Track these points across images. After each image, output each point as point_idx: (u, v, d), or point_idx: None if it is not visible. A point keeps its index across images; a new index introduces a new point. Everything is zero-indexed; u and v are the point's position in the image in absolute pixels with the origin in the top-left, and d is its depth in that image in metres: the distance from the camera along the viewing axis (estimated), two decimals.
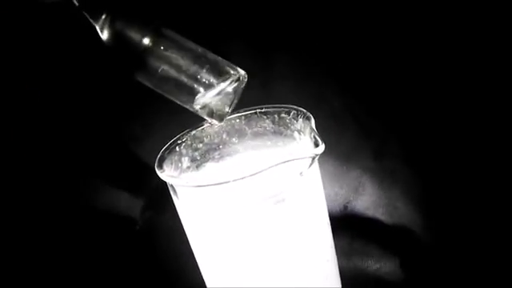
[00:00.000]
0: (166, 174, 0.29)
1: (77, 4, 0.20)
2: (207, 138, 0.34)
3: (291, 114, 0.32)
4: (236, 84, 0.24)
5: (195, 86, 0.23)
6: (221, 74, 0.23)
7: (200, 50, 0.23)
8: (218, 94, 0.23)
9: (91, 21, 0.21)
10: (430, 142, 0.44)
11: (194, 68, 0.23)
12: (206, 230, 0.29)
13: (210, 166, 0.34)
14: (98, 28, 0.21)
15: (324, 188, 0.44)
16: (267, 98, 0.41)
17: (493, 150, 0.42)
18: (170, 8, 0.37)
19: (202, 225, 0.29)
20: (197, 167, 0.33)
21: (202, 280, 0.33)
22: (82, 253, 0.43)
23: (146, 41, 0.22)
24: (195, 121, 0.33)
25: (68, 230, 0.43)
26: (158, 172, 0.29)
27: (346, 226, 0.43)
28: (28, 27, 0.37)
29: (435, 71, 0.43)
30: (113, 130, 0.43)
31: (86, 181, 0.43)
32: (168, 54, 0.22)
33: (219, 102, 0.24)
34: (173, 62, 0.22)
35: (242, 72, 0.24)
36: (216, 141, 0.34)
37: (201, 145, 0.34)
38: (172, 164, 0.31)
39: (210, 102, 0.24)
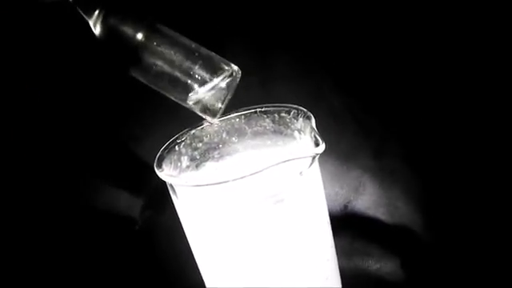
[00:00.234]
0: (166, 173, 0.29)
1: (71, 0, 0.20)
2: (207, 137, 0.34)
3: (291, 113, 0.32)
4: (229, 79, 0.24)
5: (188, 81, 0.23)
6: (214, 70, 0.23)
7: (193, 45, 0.23)
8: (212, 89, 0.23)
9: (85, 16, 0.20)
10: (430, 141, 0.44)
11: (187, 63, 0.23)
12: (205, 229, 0.29)
13: (209, 166, 0.34)
14: (91, 24, 0.20)
15: (324, 188, 0.44)
16: (266, 98, 0.41)
17: (493, 149, 0.42)
18: (169, 8, 0.37)
19: (201, 224, 0.29)
20: (196, 166, 0.33)
21: (202, 280, 0.33)
22: (82, 252, 0.42)
23: (139, 36, 0.22)
24: (194, 120, 0.33)
25: (67, 229, 0.43)
26: (157, 171, 0.28)
27: (347, 225, 0.43)
28: (27, 27, 0.37)
29: (434, 71, 0.43)
30: (112, 129, 0.43)
31: (86, 180, 0.43)
32: (161, 49, 0.22)
33: (212, 98, 0.24)
34: (166, 58, 0.22)
35: (236, 67, 0.24)
36: (216, 140, 0.34)
37: (200, 144, 0.33)
38: (171, 163, 0.31)
39: (203, 98, 0.23)
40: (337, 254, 0.34)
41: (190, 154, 0.33)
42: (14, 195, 0.41)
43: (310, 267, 0.29)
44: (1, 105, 0.39)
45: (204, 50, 0.23)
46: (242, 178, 0.25)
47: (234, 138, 0.34)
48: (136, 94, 0.41)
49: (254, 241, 0.27)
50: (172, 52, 0.22)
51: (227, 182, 0.25)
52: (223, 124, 0.33)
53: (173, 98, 0.24)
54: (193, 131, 0.33)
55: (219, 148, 0.34)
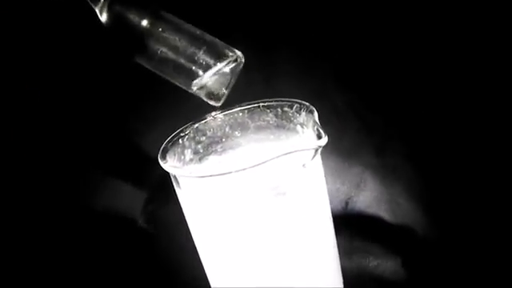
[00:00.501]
0: (169, 164, 0.29)
1: None
2: (210, 131, 0.34)
3: (294, 107, 0.32)
4: (233, 65, 0.24)
5: (193, 67, 0.23)
6: (218, 55, 0.24)
7: (198, 31, 0.23)
8: (216, 74, 0.23)
9: (91, 4, 0.21)
10: (431, 139, 0.44)
11: (191, 49, 0.23)
12: (207, 220, 0.29)
13: (212, 159, 0.34)
14: (97, 11, 0.21)
15: (326, 184, 0.44)
16: (270, 94, 0.41)
17: (494, 147, 0.42)
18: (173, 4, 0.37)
19: (203, 215, 0.29)
20: (199, 160, 0.34)
21: (204, 274, 0.33)
22: (84, 247, 0.43)
23: (144, 23, 0.22)
24: (198, 114, 0.34)
25: (69, 224, 0.43)
26: (161, 163, 0.29)
27: (348, 221, 0.43)
28: (28, 25, 0.37)
29: (437, 69, 0.43)
30: (115, 123, 0.43)
31: (88, 175, 0.44)
32: (166, 35, 0.23)
33: (216, 83, 0.24)
34: (171, 44, 0.23)
35: (239, 53, 0.24)
36: (219, 134, 0.34)
37: (204, 138, 0.34)
38: (175, 156, 0.32)
39: (208, 83, 0.24)
40: (338, 250, 0.34)
41: (193, 147, 0.33)
42: (16, 191, 0.42)
43: (311, 258, 0.29)
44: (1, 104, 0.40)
45: (208, 36, 0.24)
46: (244, 169, 0.25)
47: (236, 132, 0.35)
48: (139, 88, 0.42)
49: (256, 232, 0.28)
50: (176, 38, 0.23)
51: (230, 173, 0.25)
52: (226, 118, 0.34)
53: (178, 84, 0.24)
54: (196, 125, 0.33)
55: (222, 142, 0.35)
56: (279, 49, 0.44)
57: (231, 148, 0.35)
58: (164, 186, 0.33)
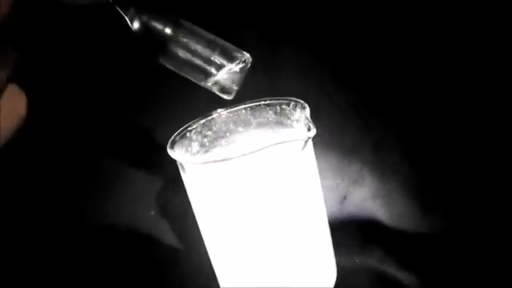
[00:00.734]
0: (177, 153, 0.33)
1: (111, 1, 0.25)
2: (215, 126, 0.37)
3: (291, 105, 0.35)
4: (242, 65, 0.28)
5: (208, 67, 0.27)
6: (230, 57, 0.28)
7: (212, 36, 0.28)
8: (227, 72, 0.28)
9: (123, 14, 0.25)
10: (427, 138, 0.46)
11: (207, 52, 0.27)
12: (211, 204, 0.32)
13: (217, 152, 0.37)
14: (128, 20, 0.25)
15: (326, 179, 0.47)
16: (274, 94, 0.44)
17: (488, 145, 0.44)
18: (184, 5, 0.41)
19: (208, 200, 0.32)
20: (205, 152, 0.37)
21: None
22: (96, 240, 0.46)
23: (168, 30, 0.26)
24: (205, 110, 0.37)
25: (83, 217, 0.46)
26: (170, 152, 0.32)
27: (346, 215, 0.46)
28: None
29: (433, 71, 0.46)
30: (130, 119, 0.47)
31: (102, 168, 0.47)
32: (186, 40, 0.27)
33: (228, 80, 0.28)
34: (190, 48, 0.27)
35: (247, 55, 0.28)
36: (223, 129, 0.38)
37: (209, 132, 0.37)
38: (183, 148, 0.35)
39: (221, 80, 0.28)
40: (334, 241, 0.37)
41: (200, 140, 0.37)
42: (31, 184, 0.45)
43: (306, 235, 0.32)
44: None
45: (220, 41, 0.28)
46: (243, 155, 0.28)
47: (240, 128, 0.38)
48: (154, 88, 0.46)
49: (256, 213, 0.31)
50: (195, 43, 0.27)
51: (231, 159, 0.29)
52: (230, 115, 0.37)
53: (194, 80, 0.28)
54: (203, 120, 0.37)
55: (227, 136, 0.38)
56: (283, 51, 0.47)
57: (234, 142, 0.38)
58: (175, 179, 0.36)
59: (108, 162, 0.47)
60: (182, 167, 0.33)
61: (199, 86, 0.29)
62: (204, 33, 0.28)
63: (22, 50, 0.21)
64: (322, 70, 0.47)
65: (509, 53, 0.44)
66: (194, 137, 0.36)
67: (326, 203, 0.36)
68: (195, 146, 0.36)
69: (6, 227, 0.44)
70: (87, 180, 0.47)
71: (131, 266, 0.45)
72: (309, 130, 0.30)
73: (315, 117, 0.32)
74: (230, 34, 0.29)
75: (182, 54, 0.27)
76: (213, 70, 0.28)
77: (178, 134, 0.35)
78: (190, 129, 0.36)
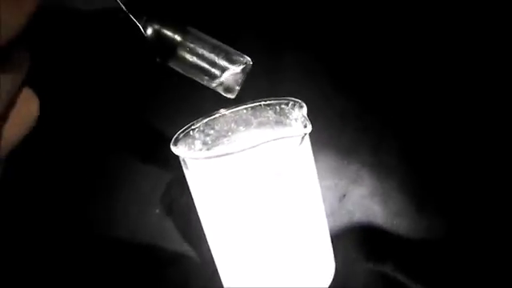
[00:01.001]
0: (180, 150, 0.34)
1: (125, 10, 0.28)
2: (218, 125, 0.39)
3: (289, 104, 0.37)
4: (243, 66, 0.31)
5: (213, 69, 0.30)
6: (232, 60, 0.30)
7: (216, 42, 0.31)
8: (230, 74, 0.30)
9: (136, 22, 0.28)
10: (424, 139, 0.47)
11: (212, 56, 0.30)
12: (214, 198, 0.34)
13: (219, 150, 0.39)
14: (141, 27, 0.28)
15: (325, 179, 0.48)
16: (274, 96, 0.46)
17: (484, 145, 0.46)
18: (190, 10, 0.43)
19: (210, 194, 0.34)
20: (207, 150, 0.39)
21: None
22: (103, 237, 0.47)
23: (178, 37, 0.29)
24: (211, 111, 0.39)
25: (91, 214, 0.48)
26: (173, 149, 0.34)
27: (344, 213, 0.47)
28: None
29: (430, 72, 0.47)
30: (135, 119, 0.48)
31: (110, 164, 0.48)
32: (193, 46, 0.30)
33: (231, 81, 0.31)
34: (198, 52, 0.30)
35: (248, 58, 0.31)
36: (225, 128, 0.39)
37: (212, 131, 0.39)
38: (186, 145, 0.37)
39: (224, 81, 0.30)
40: (332, 238, 0.38)
41: (202, 139, 0.38)
42: (39, 181, 0.47)
43: (305, 226, 0.34)
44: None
45: (224, 46, 0.31)
46: (242, 150, 0.30)
47: (241, 127, 0.40)
48: (161, 90, 0.48)
49: (257, 206, 0.32)
50: (201, 48, 0.30)
51: (231, 153, 0.30)
52: (232, 115, 0.39)
53: (201, 82, 0.31)
54: (205, 120, 0.38)
55: (228, 135, 0.39)
56: (283, 55, 0.49)
57: (236, 141, 0.39)
58: (181, 179, 0.37)
59: (115, 161, 0.48)
60: (185, 164, 0.34)
61: (205, 88, 0.31)
62: (209, 39, 0.31)
63: (35, 53, 0.22)
64: (321, 72, 0.49)
65: (504, 51, 0.45)
66: (197, 135, 0.38)
67: (325, 201, 0.37)
68: (198, 144, 0.38)
69: (14, 224, 0.46)
70: (94, 179, 0.48)
71: (136, 264, 0.46)
72: (305, 126, 0.31)
73: (314, 118, 0.34)
74: (232, 38, 0.32)
75: (189, 57, 0.30)
76: (217, 73, 0.31)
77: (181, 133, 0.36)
78: (193, 127, 0.38)
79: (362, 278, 0.43)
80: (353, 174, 0.49)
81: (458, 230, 0.44)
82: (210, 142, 0.39)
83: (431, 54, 0.47)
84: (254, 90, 0.40)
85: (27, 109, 0.21)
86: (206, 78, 0.31)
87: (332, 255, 0.38)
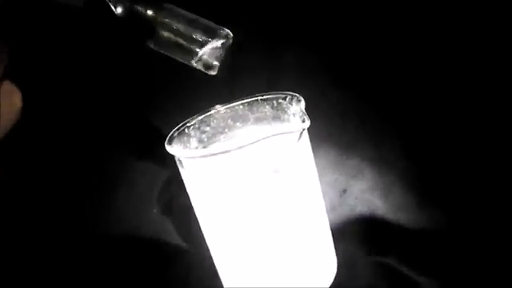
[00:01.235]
0: (175, 149, 0.33)
1: None
2: (214, 122, 0.38)
3: (287, 99, 0.36)
4: (223, 40, 0.29)
5: (191, 45, 0.28)
6: (211, 34, 0.29)
7: (193, 16, 0.29)
8: (210, 49, 0.29)
9: (107, 1, 0.26)
10: (424, 134, 0.47)
11: (189, 30, 0.28)
12: (210, 197, 0.33)
13: (215, 147, 0.38)
14: (112, 6, 0.26)
15: (325, 175, 0.47)
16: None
17: (484, 139, 0.45)
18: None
19: (207, 193, 0.33)
20: (204, 148, 0.38)
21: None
22: (101, 236, 0.47)
23: (150, 12, 0.27)
24: (203, 107, 0.38)
25: (89, 215, 0.47)
26: (168, 148, 0.33)
27: (344, 208, 0.46)
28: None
29: (429, 67, 0.46)
30: (135, 116, 0.47)
31: (108, 163, 0.47)
32: (168, 21, 0.28)
33: (210, 56, 0.29)
34: (172, 28, 0.28)
35: (228, 31, 0.29)
36: (222, 125, 0.38)
37: (208, 128, 0.38)
38: (181, 144, 0.36)
39: (203, 56, 0.29)
40: (333, 231, 0.38)
41: (198, 136, 0.37)
42: (36, 179, 0.46)
43: (305, 223, 0.33)
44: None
45: (202, 19, 0.29)
46: (239, 147, 0.29)
47: (238, 124, 0.38)
48: (159, 88, 0.47)
49: (255, 204, 0.31)
50: (177, 22, 0.28)
51: (227, 151, 0.29)
52: (228, 111, 0.38)
53: (179, 59, 0.29)
54: (201, 117, 0.37)
55: (225, 132, 0.38)
56: (283, 52, 0.48)
57: (233, 138, 0.38)
58: (179, 178, 0.36)
59: (113, 159, 0.47)
60: (181, 163, 0.33)
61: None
62: (186, 13, 0.29)
63: (14, 47, 0.22)
64: (320, 67, 0.48)
65: (503, 49, 0.44)
66: (193, 133, 0.37)
67: (325, 197, 0.36)
68: (193, 142, 0.37)
69: (12, 224, 0.45)
70: (93, 177, 0.48)
71: (135, 263, 0.45)
72: (303, 121, 0.30)
73: (313, 114, 0.33)
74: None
75: (164, 34, 0.28)
76: (196, 48, 0.29)
77: (176, 131, 0.35)
78: (188, 125, 0.36)
79: (364, 272, 0.42)
80: (353, 169, 0.48)
81: (459, 223, 0.44)
82: (206, 140, 0.38)
83: (430, 49, 0.46)
84: (250, 86, 0.39)
85: (10, 101, 0.22)
86: (184, 55, 0.29)
87: (333, 253, 0.37)
